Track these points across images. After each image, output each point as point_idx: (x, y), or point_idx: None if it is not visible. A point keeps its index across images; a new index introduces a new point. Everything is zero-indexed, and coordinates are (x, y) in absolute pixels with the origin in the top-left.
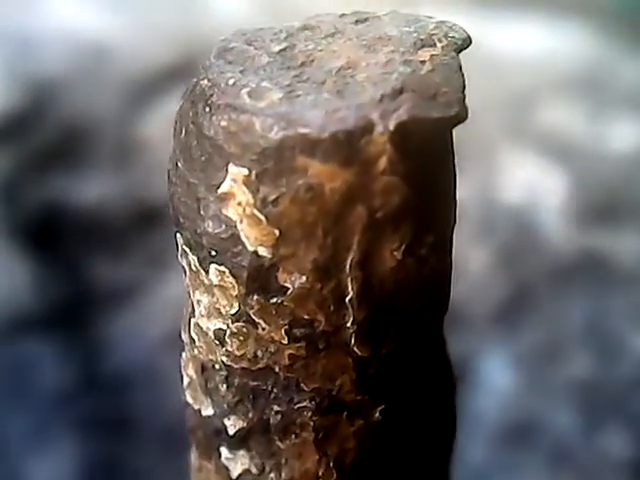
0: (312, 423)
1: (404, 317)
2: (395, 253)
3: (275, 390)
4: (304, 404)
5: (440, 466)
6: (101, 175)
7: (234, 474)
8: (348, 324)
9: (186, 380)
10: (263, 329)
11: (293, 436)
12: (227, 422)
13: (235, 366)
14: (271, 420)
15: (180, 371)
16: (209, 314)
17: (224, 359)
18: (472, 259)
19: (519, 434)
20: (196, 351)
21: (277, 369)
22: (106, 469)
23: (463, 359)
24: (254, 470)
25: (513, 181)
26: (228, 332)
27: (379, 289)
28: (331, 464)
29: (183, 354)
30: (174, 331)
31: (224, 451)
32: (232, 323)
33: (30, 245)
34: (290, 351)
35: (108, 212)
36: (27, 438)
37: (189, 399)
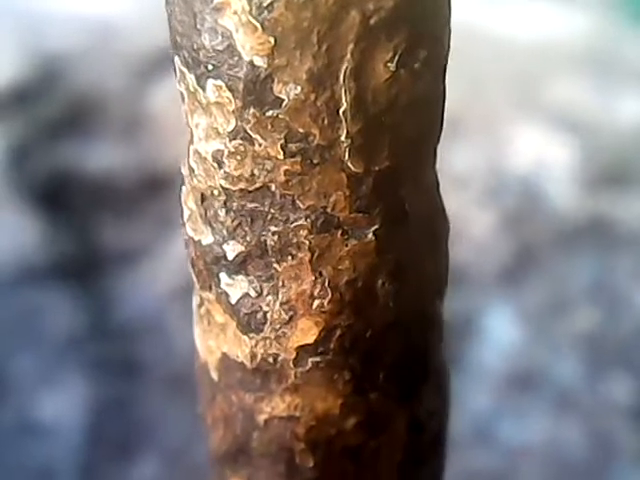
0: (308, 243)
1: (398, 136)
2: (389, 64)
3: (272, 210)
4: (300, 222)
5: (430, 305)
6: (110, 144)
7: (233, 299)
8: (342, 137)
9: (186, 213)
10: (259, 145)
11: (289, 257)
12: (226, 247)
13: (233, 188)
14: (268, 242)
15: (180, 205)
16: (207, 136)
17: (222, 182)
18: (478, 222)
19: (524, 383)
20: (195, 181)
21: (273, 187)
22: (114, 409)
23: (469, 315)
24: (253, 294)
25: (521, 150)
26: (226, 152)
27: (373, 102)
28: (326, 284)
29: (183, 188)
30: (181, 286)
31: (223, 277)
32: (229, 142)
33: (41, 207)
34: (286, 167)
35: (117, 179)
36: (38, 378)
37: (190, 232)
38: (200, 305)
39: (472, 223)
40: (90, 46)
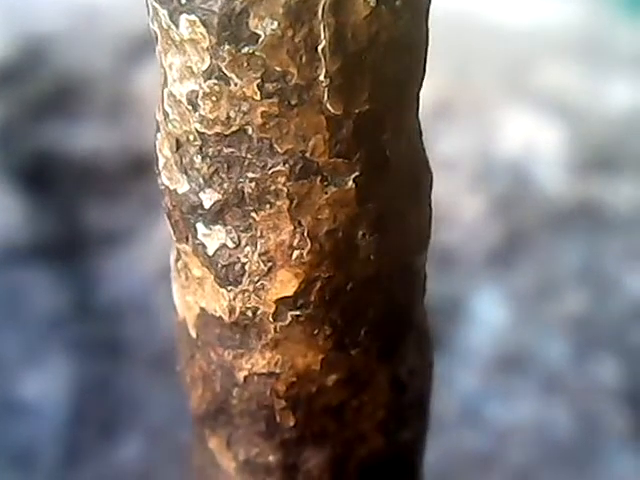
0: (286, 190)
1: (378, 77)
2: (368, 0)
3: (249, 156)
4: (278, 168)
5: (413, 259)
6: (95, 125)
7: (211, 250)
8: (321, 77)
9: (161, 161)
10: (235, 85)
11: (268, 206)
12: (203, 196)
13: (209, 133)
14: (245, 189)
15: (155, 154)
16: (181, 77)
17: (198, 126)
18: (468, 207)
19: (513, 364)
20: (170, 126)
21: (250, 131)
22: (98, 388)
23: (458, 298)
24: (230, 244)
25: (510, 135)
26: (201, 93)
27: (352, 39)
28: (305, 234)
29: (157, 135)
30: (166, 267)
31: (200, 228)
32: (204, 82)
33: (25, 187)
34: (263, 108)
35: (102, 160)
36: (22, 357)
37: (165, 180)
38: (177, 259)
39: (461, 207)
40: (75, 27)
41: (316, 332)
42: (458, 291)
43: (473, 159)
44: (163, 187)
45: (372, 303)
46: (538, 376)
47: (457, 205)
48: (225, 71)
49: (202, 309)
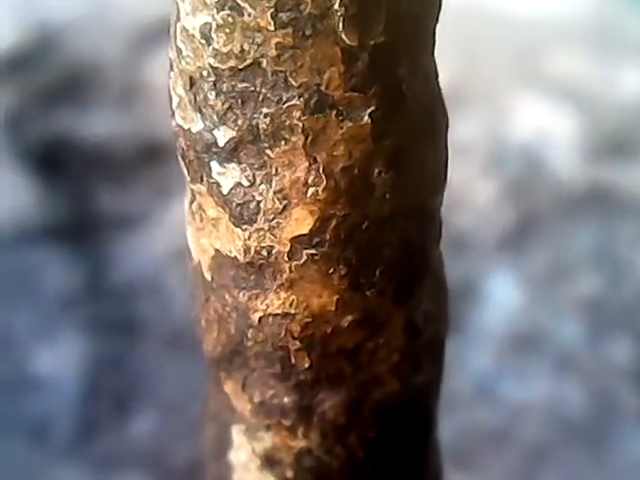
0: (301, 125)
1: (394, 7)
2: None
3: (263, 90)
4: (293, 102)
5: (429, 200)
6: (107, 112)
7: (225, 189)
8: (335, 6)
9: (175, 101)
10: (249, 15)
11: (282, 142)
12: (217, 134)
13: (223, 67)
14: (260, 125)
15: (169, 93)
16: (194, 9)
17: (211, 61)
18: (480, 191)
19: (526, 344)
20: (183, 63)
21: (264, 64)
22: (111, 364)
23: (472, 280)
24: (245, 183)
25: (523, 120)
26: (214, 25)
27: None
28: (321, 171)
29: (171, 73)
30: (179, 249)
31: (215, 166)
32: (217, 13)
33: (38, 172)
34: (277, 40)
35: (114, 146)
36: (36, 335)
37: (179, 120)
38: (192, 201)
39: (474, 192)
40: (88, 15)
41: (331, 271)
42: (471, 274)
43: (486, 145)
44: (177, 128)
45: (387, 243)
46: (552, 356)
47: (470, 190)
48: (238, 1)
49: (217, 250)
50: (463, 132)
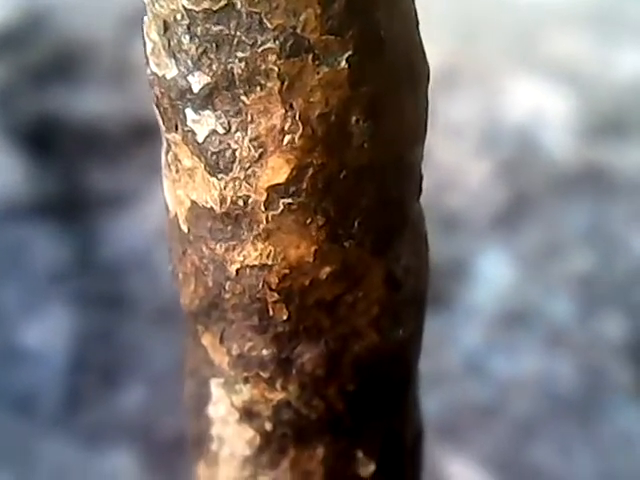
0: (277, 69)
1: None
2: None
3: (238, 33)
4: (268, 45)
5: (408, 152)
6: (98, 91)
7: (200, 137)
8: None
9: (149, 47)
10: None
11: (258, 88)
12: (191, 79)
13: (197, 9)
14: (235, 70)
15: (143, 40)
16: None
17: (185, 3)
18: (474, 171)
19: (518, 321)
20: (157, 7)
21: (239, 5)
22: (99, 338)
23: (464, 258)
24: (220, 130)
25: (518, 101)
26: None
27: None
28: (297, 117)
29: (145, 18)
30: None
31: (189, 113)
32: None
33: (28, 149)
34: None
35: (104, 124)
36: (24, 308)
37: (153, 67)
38: (167, 152)
39: (468, 172)
40: None
41: (309, 222)
42: (464, 252)
43: (480, 125)
44: (151, 75)
45: (365, 193)
46: (543, 332)
47: (463, 170)
48: None
49: (193, 202)
50: (458, 113)
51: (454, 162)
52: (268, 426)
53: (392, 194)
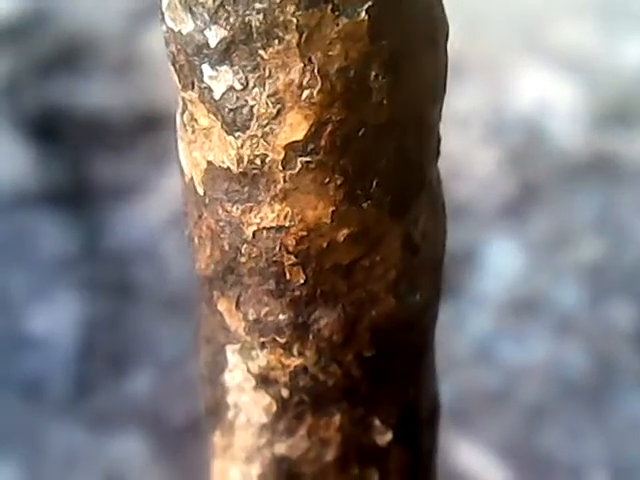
0: (295, 21)
1: None
2: None
3: None
4: None
5: (427, 111)
6: (104, 81)
7: (217, 94)
8: None
9: (165, 2)
10: None
11: (276, 41)
12: (208, 34)
13: None
14: (253, 23)
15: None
16: None
17: None
18: (482, 160)
19: (527, 308)
20: None
21: None
22: (107, 325)
23: (473, 246)
24: (237, 86)
25: (524, 89)
26: None
27: None
28: (316, 72)
29: None
30: (175, 216)
31: (206, 70)
32: None
33: (34, 139)
34: None
35: (110, 115)
36: (31, 295)
37: (169, 23)
38: (183, 112)
39: (475, 161)
40: None
41: (327, 181)
42: (472, 241)
43: (487, 114)
44: (167, 32)
45: (384, 153)
46: (552, 319)
47: (471, 160)
48: None
49: (209, 163)
50: (465, 102)
51: (462, 152)
52: (285, 393)
53: (411, 154)
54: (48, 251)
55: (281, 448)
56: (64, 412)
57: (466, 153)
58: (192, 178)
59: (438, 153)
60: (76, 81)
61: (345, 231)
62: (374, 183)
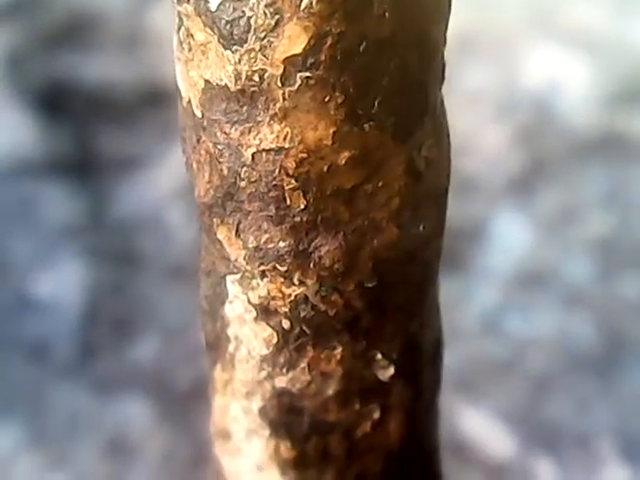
0: None
1: None
2: None
3: None
4: None
5: (431, 28)
6: (110, 55)
7: (213, 5)
8: None
9: None
10: None
11: None
12: None
13: None
14: None
15: None
16: None
17: None
18: (491, 137)
19: (535, 281)
20: None
21: None
22: (112, 291)
23: (480, 221)
24: None
25: (535, 68)
26: None
27: None
28: None
29: None
30: (180, 189)
31: None
32: None
33: (40, 111)
34: None
35: (116, 90)
36: (36, 261)
37: None
38: (179, 28)
39: (485, 138)
40: None
41: (327, 99)
42: (480, 215)
43: (497, 92)
44: None
45: (386, 70)
46: (560, 292)
47: (480, 136)
48: None
49: (207, 82)
50: (475, 79)
51: (471, 128)
52: (286, 324)
53: (414, 74)
54: (53, 219)
55: (282, 381)
56: (69, 375)
57: (476, 130)
58: (189, 101)
59: (443, 78)
60: (82, 55)
61: (346, 154)
62: (376, 103)
